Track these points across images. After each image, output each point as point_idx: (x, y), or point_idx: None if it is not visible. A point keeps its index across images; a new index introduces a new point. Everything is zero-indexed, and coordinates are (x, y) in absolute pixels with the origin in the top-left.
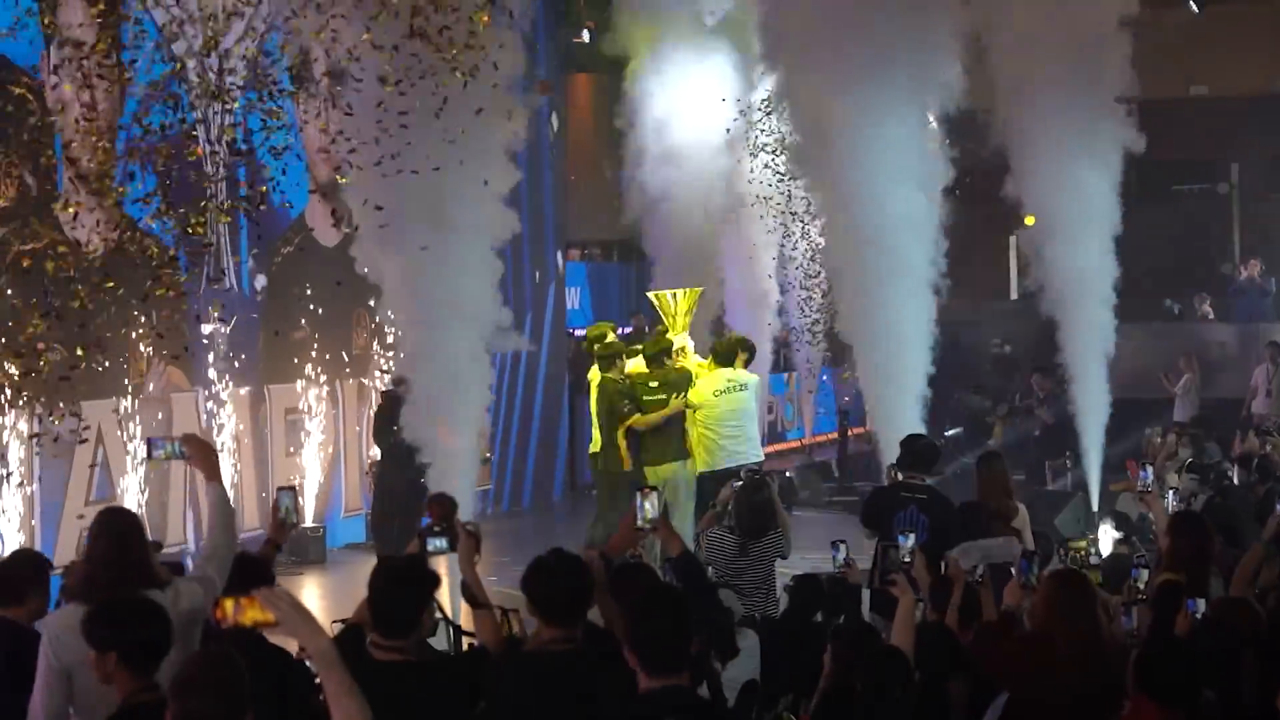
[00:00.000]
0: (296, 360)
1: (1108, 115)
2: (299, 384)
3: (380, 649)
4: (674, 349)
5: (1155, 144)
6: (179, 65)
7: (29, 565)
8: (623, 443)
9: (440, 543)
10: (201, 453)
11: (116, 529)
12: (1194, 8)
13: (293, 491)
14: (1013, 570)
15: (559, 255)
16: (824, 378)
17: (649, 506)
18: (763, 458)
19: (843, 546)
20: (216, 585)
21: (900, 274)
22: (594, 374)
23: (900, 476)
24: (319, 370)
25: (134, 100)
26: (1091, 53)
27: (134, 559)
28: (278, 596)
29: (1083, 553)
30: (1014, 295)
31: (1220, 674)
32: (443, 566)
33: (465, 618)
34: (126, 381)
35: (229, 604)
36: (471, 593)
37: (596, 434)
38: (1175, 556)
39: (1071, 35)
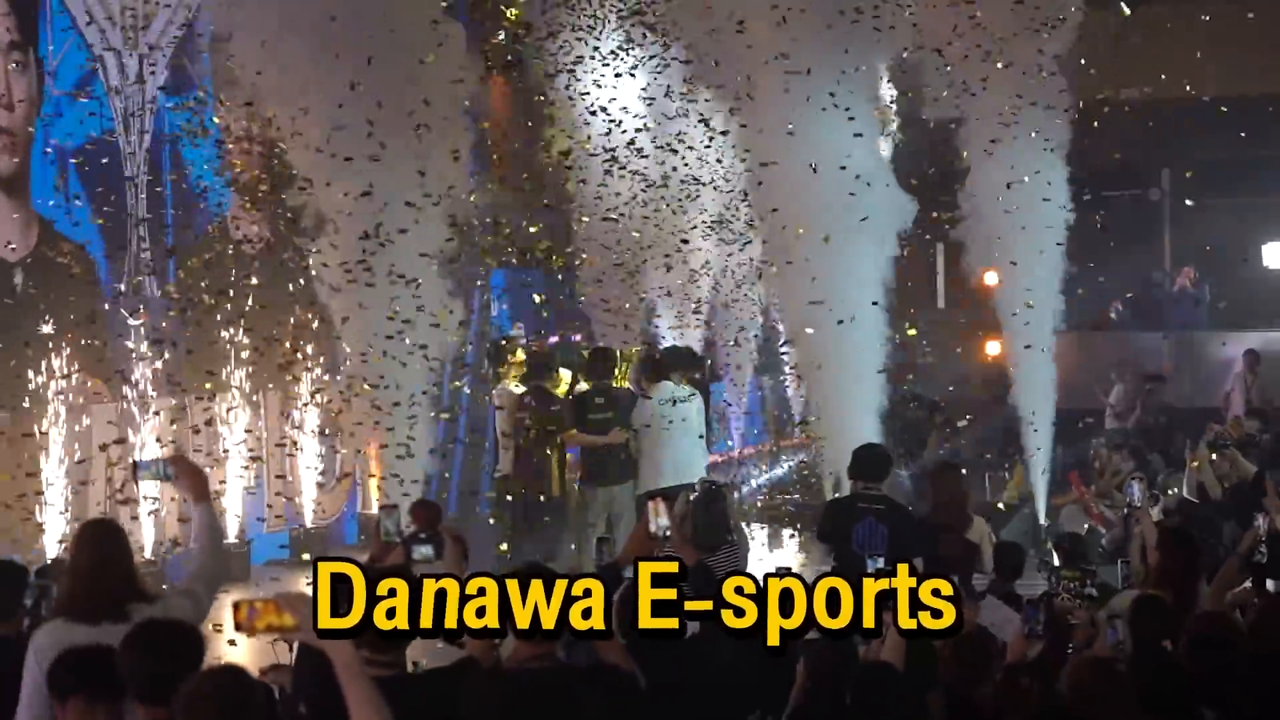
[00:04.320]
0: (219, 369)
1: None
2: (222, 394)
3: (372, 665)
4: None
5: (1085, 148)
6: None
7: (12, 577)
8: (556, 463)
9: (426, 550)
10: (189, 474)
11: (98, 541)
12: (1124, 9)
13: (395, 510)
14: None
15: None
16: (756, 387)
17: (661, 516)
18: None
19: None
20: (204, 602)
21: (852, 276)
22: (508, 388)
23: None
24: (242, 380)
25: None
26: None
27: (116, 572)
28: (298, 599)
29: (1077, 582)
30: (940, 304)
31: (1216, 691)
32: None
33: None
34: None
35: (244, 608)
36: None
37: (505, 454)
38: (1164, 573)
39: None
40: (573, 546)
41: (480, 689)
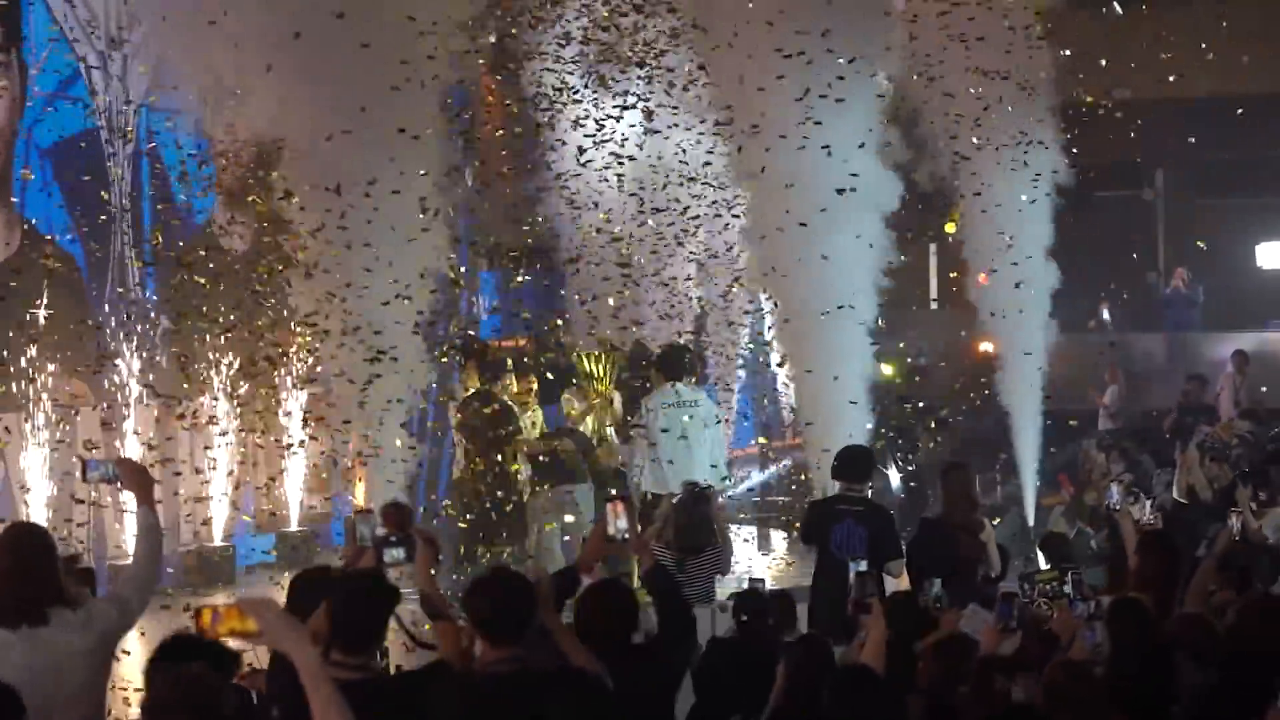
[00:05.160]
0: (204, 371)
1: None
2: (206, 396)
3: (343, 668)
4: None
5: (1077, 149)
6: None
7: None
8: (515, 465)
9: (397, 553)
10: (134, 476)
11: (17, 546)
12: (1117, 8)
13: (370, 514)
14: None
15: (467, 259)
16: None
17: (620, 518)
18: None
19: (937, 583)
20: (133, 608)
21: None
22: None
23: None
24: (227, 382)
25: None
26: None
27: (38, 577)
28: (261, 605)
29: (1055, 582)
30: (933, 304)
31: (1183, 690)
32: None
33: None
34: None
35: (207, 613)
36: (431, 603)
37: (460, 457)
38: (1143, 576)
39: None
40: (526, 547)
41: (446, 692)
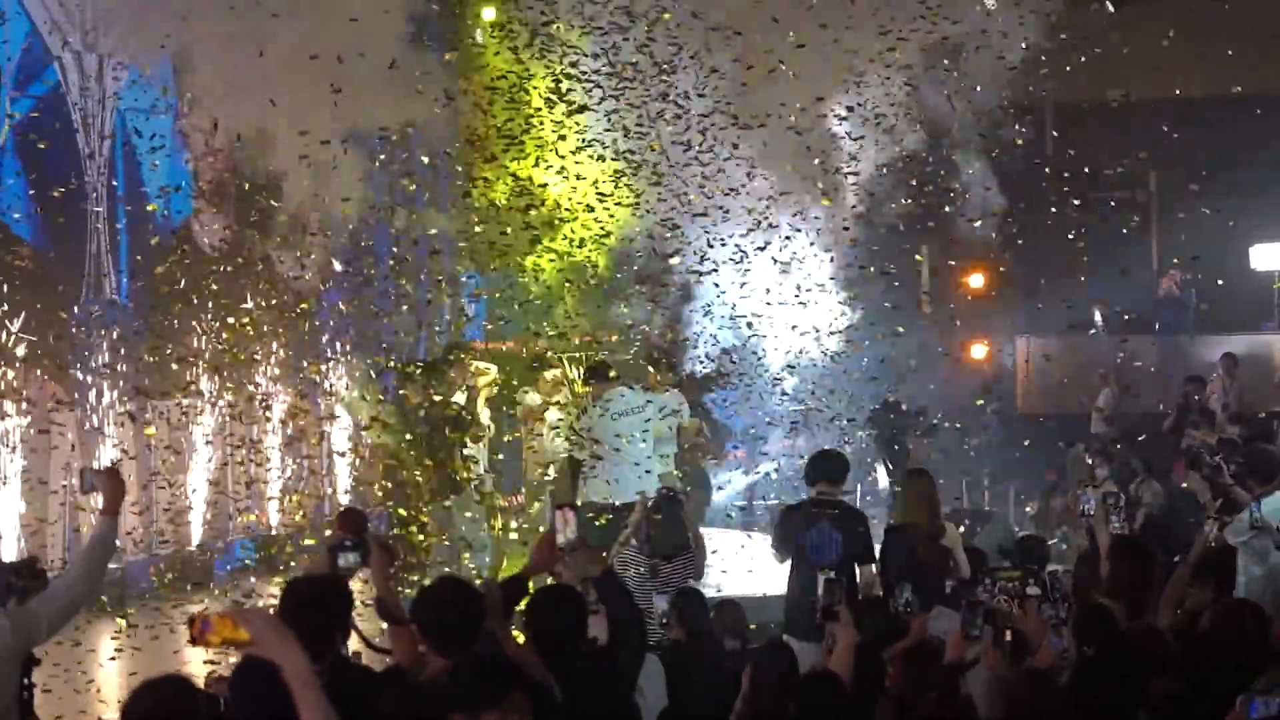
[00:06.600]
0: (182, 374)
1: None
2: (185, 399)
3: None
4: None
5: (1071, 150)
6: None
7: None
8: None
9: (352, 557)
10: (109, 484)
11: None
12: (1110, 8)
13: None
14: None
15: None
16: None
17: (570, 527)
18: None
19: (907, 588)
20: (40, 623)
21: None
22: None
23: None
24: (206, 384)
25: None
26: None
27: None
28: (253, 614)
29: (1017, 582)
30: (926, 308)
31: (1152, 696)
32: None
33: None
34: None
35: (198, 622)
36: (387, 608)
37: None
38: (1115, 582)
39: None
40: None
41: (395, 699)
